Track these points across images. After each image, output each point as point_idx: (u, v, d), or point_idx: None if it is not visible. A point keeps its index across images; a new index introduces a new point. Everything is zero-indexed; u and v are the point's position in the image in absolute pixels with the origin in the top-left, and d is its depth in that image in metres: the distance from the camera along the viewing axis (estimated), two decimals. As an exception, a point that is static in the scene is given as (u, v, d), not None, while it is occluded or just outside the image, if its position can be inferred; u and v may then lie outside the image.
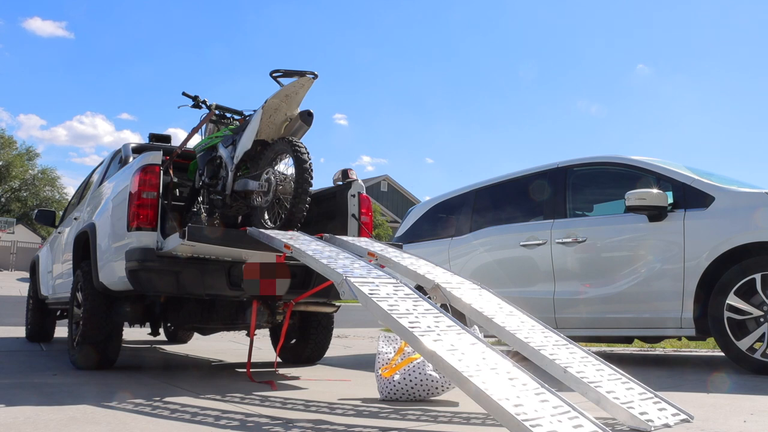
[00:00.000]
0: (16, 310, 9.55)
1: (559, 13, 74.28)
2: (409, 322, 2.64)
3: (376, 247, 3.77)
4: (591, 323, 4.82)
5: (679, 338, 5.55)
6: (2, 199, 48.20)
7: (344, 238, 3.94)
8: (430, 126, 70.21)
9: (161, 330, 5.62)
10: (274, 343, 5.21)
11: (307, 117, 4.26)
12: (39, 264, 6.96)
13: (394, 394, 3.26)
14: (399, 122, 69.81)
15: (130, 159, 4.80)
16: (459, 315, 3.08)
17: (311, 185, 4.01)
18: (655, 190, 4.42)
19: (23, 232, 40.00)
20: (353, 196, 4.70)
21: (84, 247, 4.66)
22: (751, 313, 3.95)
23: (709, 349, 6.45)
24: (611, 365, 2.87)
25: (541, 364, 2.75)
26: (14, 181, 47.98)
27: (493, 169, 64.80)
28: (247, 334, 4.53)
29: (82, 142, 72.25)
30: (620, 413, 2.49)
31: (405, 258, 3.60)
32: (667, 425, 2.45)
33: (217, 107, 4.64)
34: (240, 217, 4.89)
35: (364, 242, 3.88)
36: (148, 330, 5.20)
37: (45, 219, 7.04)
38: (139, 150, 4.94)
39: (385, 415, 2.86)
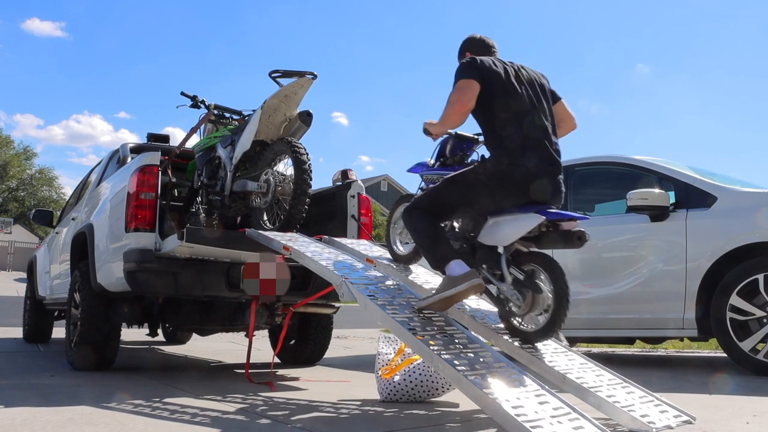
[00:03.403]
0: (14, 310, 9.52)
1: (559, 13, 74.39)
2: (408, 324, 2.63)
3: (375, 252, 3.75)
4: (592, 324, 4.80)
5: (681, 339, 5.53)
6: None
7: (343, 240, 3.93)
8: (430, 126, 70.13)
9: (159, 331, 5.58)
10: (274, 344, 5.19)
11: (306, 117, 4.24)
12: (36, 264, 6.93)
13: (395, 395, 3.24)
14: (399, 122, 69.89)
15: (129, 159, 4.77)
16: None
17: (310, 186, 3.99)
18: (657, 190, 4.40)
19: (21, 232, 39.90)
20: (353, 196, 4.68)
21: (82, 247, 4.64)
22: (754, 314, 3.94)
23: (711, 350, 6.43)
24: (611, 370, 2.86)
25: (540, 371, 2.73)
26: (12, 180, 47.84)
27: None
28: (246, 335, 4.51)
29: (80, 142, 72.18)
30: (621, 416, 2.47)
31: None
32: (669, 427, 2.44)
33: (216, 107, 4.62)
34: (239, 218, 4.86)
35: (363, 246, 3.86)
36: (147, 331, 5.18)
37: (42, 219, 7.00)
38: (137, 150, 4.91)
39: (386, 416, 2.84)
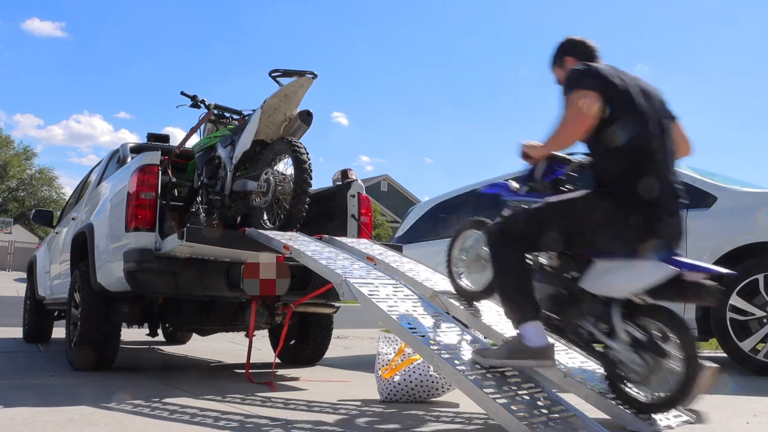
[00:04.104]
0: (14, 310, 9.50)
1: (560, 13, 74.42)
2: (409, 323, 2.63)
3: (376, 250, 3.75)
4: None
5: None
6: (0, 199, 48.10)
7: (343, 239, 3.93)
8: (430, 126, 70.24)
9: (159, 331, 5.58)
10: (274, 344, 5.18)
11: (306, 117, 4.24)
12: (36, 264, 6.92)
13: (395, 395, 3.24)
14: (399, 122, 69.85)
15: (129, 159, 4.77)
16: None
17: (310, 185, 3.99)
18: (656, 190, 4.38)
19: (21, 232, 39.86)
20: (353, 196, 4.68)
21: (82, 247, 4.64)
22: (754, 314, 3.93)
23: (711, 350, 6.42)
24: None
25: (541, 369, 2.73)
26: (12, 180, 47.79)
27: (493, 169, 64.77)
28: (246, 335, 4.51)
29: (80, 142, 72.05)
30: (622, 416, 2.47)
31: (405, 263, 3.58)
32: (669, 426, 2.43)
33: (216, 107, 4.62)
34: (239, 218, 4.86)
35: (364, 245, 3.86)
36: (147, 331, 5.17)
37: (42, 219, 7.00)
38: (137, 150, 4.91)
39: (386, 416, 2.84)
